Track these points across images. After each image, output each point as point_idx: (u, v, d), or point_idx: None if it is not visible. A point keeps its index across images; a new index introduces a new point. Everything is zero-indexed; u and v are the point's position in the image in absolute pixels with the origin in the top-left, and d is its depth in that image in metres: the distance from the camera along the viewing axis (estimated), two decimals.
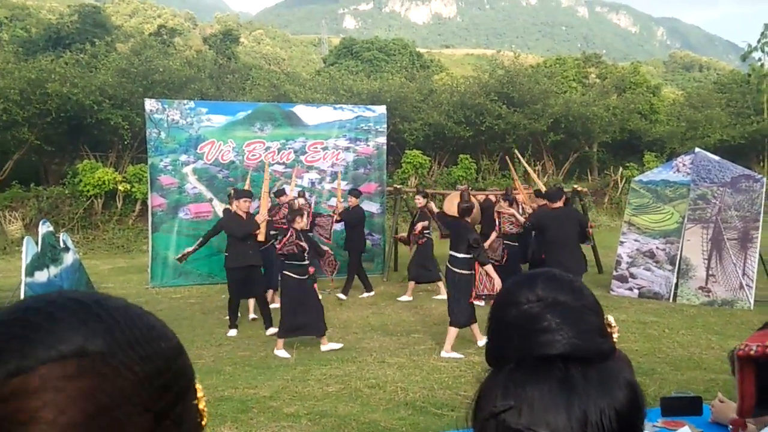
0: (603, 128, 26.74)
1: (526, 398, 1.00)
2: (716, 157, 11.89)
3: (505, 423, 1.00)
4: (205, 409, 0.76)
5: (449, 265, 8.34)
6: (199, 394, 0.76)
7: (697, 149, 12.23)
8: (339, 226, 12.55)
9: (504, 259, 10.68)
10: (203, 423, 0.75)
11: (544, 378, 1.02)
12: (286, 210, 10.44)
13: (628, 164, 26.56)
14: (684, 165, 11.70)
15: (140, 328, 0.68)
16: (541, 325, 1.06)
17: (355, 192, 11.94)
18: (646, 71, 42.02)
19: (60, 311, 0.65)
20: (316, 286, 8.67)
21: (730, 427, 3.43)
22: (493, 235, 10.94)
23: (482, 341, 8.13)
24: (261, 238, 9.55)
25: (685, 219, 11.26)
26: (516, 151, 14.63)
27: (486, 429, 1.03)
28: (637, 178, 12.72)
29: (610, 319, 1.15)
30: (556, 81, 30.84)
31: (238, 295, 9.45)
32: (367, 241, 13.44)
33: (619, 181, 25.42)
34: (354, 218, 11.65)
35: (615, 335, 1.15)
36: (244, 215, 9.38)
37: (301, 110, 14.22)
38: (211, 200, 13.00)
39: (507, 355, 1.08)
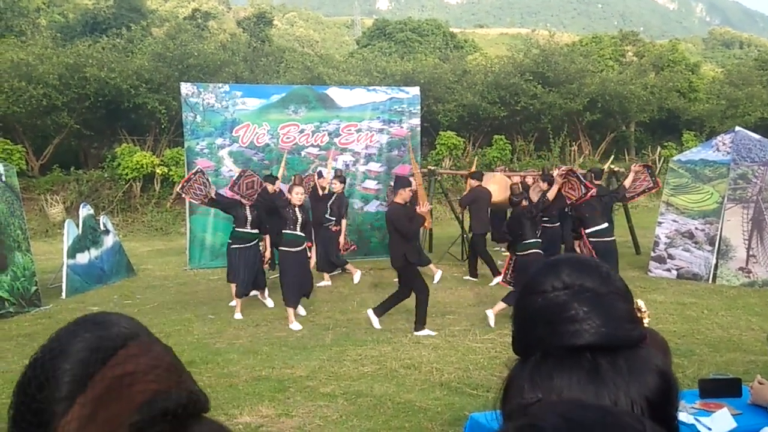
0: (640, 107, 26.29)
1: (554, 390, 0.99)
2: (757, 136, 11.66)
3: None
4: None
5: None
6: None
7: (737, 127, 12.00)
8: (372, 207, 12.60)
9: None
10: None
11: (572, 369, 1.00)
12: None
13: (666, 144, 26.11)
14: (724, 144, 11.48)
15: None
16: (568, 315, 1.03)
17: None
18: (684, 49, 41.16)
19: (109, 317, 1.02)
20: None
21: None
22: None
23: None
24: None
25: (725, 199, 11.07)
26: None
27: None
28: (675, 158, 12.53)
29: (640, 303, 1.12)
30: (592, 60, 30.34)
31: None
32: None
33: (657, 160, 25.02)
34: None
35: (645, 320, 1.12)
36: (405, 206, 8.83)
37: (334, 92, 14.23)
38: None
39: (533, 344, 1.06)
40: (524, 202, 9.01)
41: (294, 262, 8.91)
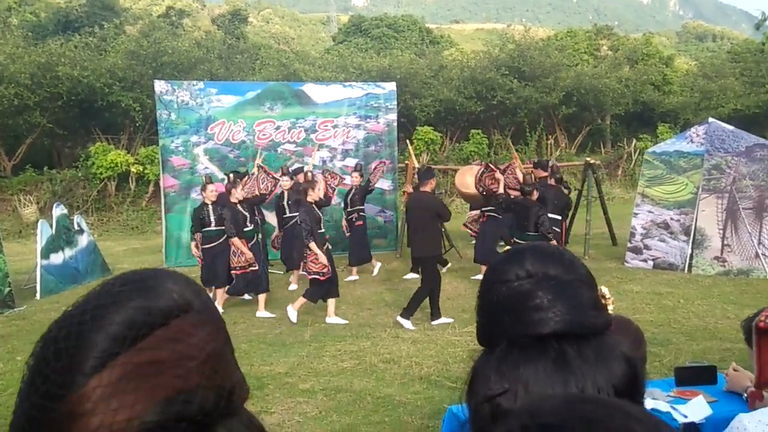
0: (615, 100, 26.47)
1: (521, 380, 0.97)
2: (730, 127, 11.77)
3: (500, 407, 0.97)
4: None
5: None
6: None
7: (710, 119, 12.10)
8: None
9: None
10: None
11: (538, 358, 0.98)
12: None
13: (641, 136, 26.32)
14: (698, 135, 11.58)
15: None
16: (533, 303, 1.02)
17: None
18: (658, 42, 41.48)
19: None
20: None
21: (745, 396, 3.42)
22: None
23: None
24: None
25: (700, 189, 11.17)
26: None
27: (480, 412, 1.00)
28: (650, 150, 12.62)
29: (604, 290, 1.10)
30: (567, 54, 30.47)
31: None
32: (379, 218, 13.47)
33: (632, 153, 25.20)
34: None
35: (610, 307, 1.11)
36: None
37: (310, 89, 14.18)
38: (223, 180, 13.01)
39: (498, 335, 1.04)
40: (535, 193, 9.16)
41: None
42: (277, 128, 13.51)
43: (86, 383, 0.74)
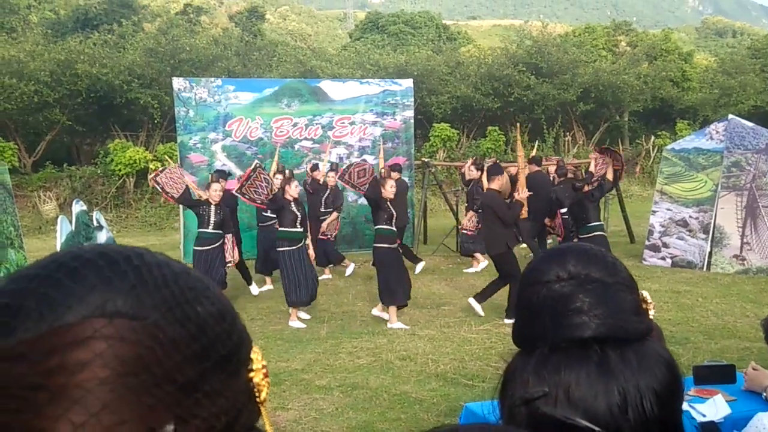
0: (634, 97, 26.32)
1: (562, 384, 0.96)
2: (750, 124, 11.67)
3: (538, 411, 0.95)
4: (264, 382, 0.69)
5: None
6: (256, 365, 0.68)
7: (730, 116, 11.99)
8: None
9: None
10: (261, 398, 0.68)
11: (580, 362, 0.97)
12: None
13: (660, 133, 26.14)
14: (717, 132, 11.48)
15: (173, 289, 0.62)
16: (574, 306, 1.00)
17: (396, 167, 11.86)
18: (677, 38, 41.10)
19: (84, 267, 0.60)
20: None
21: (764, 395, 3.40)
22: None
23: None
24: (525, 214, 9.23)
25: (719, 187, 11.08)
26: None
27: (515, 415, 0.98)
28: (669, 147, 12.54)
29: (645, 294, 1.08)
30: (585, 50, 30.33)
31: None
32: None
33: (651, 150, 25.04)
34: None
35: (651, 312, 1.09)
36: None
37: (327, 85, 14.19)
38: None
39: (537, 336, 1.02)
40: (586, 187, 9.14)
41: (296, 260, 8.59)
42: (295, 125, 13.54)
43: None
